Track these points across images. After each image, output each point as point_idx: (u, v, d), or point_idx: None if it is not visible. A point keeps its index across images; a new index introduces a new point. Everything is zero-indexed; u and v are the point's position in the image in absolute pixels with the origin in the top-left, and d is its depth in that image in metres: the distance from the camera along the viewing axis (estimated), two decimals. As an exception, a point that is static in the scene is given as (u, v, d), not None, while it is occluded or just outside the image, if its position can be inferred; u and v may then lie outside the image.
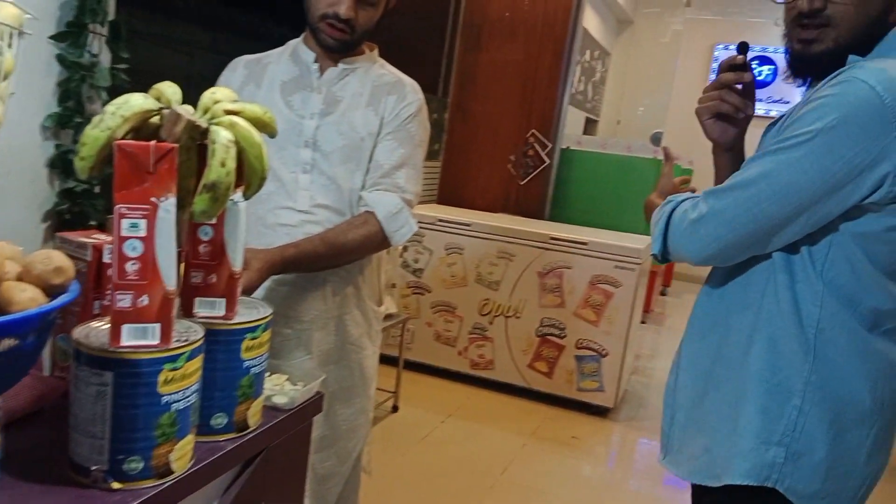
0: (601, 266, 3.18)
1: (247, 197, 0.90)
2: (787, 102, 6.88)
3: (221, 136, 0.79)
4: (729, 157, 1.12)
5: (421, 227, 3.44)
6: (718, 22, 7.11)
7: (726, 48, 7.08)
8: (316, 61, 1.41)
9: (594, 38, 6.35)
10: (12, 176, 1.42)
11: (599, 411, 3.30)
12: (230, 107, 0.83)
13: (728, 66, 1.06)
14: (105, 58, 1.57)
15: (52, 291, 0.63)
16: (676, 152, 1.20)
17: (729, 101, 1.05)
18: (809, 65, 0.97)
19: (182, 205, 0.85)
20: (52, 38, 1.44)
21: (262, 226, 1.38)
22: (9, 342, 0.56)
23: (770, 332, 0.96)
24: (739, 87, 1.06)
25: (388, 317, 2.98)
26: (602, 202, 3.94)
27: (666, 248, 1.04)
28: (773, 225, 0.92)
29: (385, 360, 3.19)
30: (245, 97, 1.42)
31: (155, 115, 0.80)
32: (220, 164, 0.79)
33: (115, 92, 1.54)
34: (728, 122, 1.08)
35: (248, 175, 0.87)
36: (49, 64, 1.46)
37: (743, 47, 1.04)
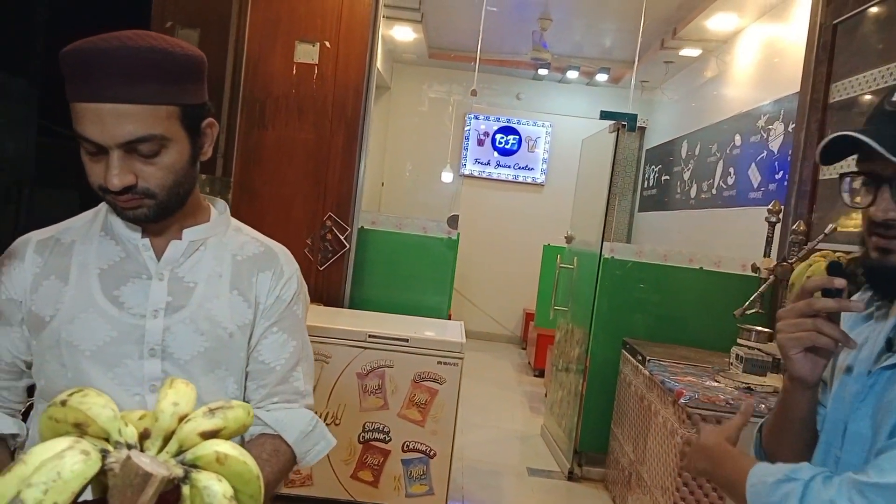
0: (424, 362, 3.03)
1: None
2: (532, 169, 7.52)
3: (216, 495, 0.49)
4: (810, 394, 0.94)
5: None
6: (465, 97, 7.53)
7: (476, 117, 7.51)
8: (146, 235, 1.03)
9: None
10: None
11: (431, 515, 3.12)
12: (208, 426, 0.52)
13: (823, 290, 0.88)
14: None
15: None
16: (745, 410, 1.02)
17: (828, 334, 0.87)
18: (890, 279, 0.85)
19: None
20: None
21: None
22: None
23: None
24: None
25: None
26: (398, 283, 3.83)
27: None
28: None
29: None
30: (43, 298, 1.00)
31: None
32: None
33: None
34: (818, 355, 0.90)
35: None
36: None
37: (836, 268, 0.88)
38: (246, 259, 1.09)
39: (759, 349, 2.78)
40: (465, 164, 7.53)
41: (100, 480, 0.46)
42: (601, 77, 6.81)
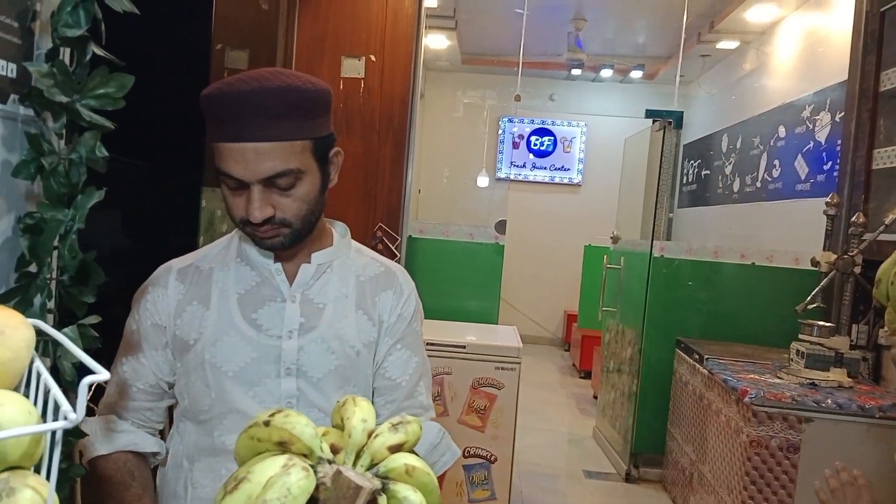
0: (481, 368, 3.07)
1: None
2: (568, 170, 7.51)
3: (415, 507, 0.52)
4: None
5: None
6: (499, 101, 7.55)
7: (510, 121, 7.53)
8: (278, 260, 1.09)
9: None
10: None
11: (495, 520, 3.15)
12: (394, 440, 0.56)
13: None
14: None
15: None
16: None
17: None
18: None
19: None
20: None
21: None
22: None
23: None
24: None
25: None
26: (450, 290, 3.87)
27: None
28: None
29: None
30: (188, 323, 1.06)
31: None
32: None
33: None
34: None
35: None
36: None
37: None
38: (368, 279, 1.14)
39: (821, 344, 2.76)
40: (500, 168, 7.55)
41: (313, 496, 0.50)
42: (635, 74, 6.79)
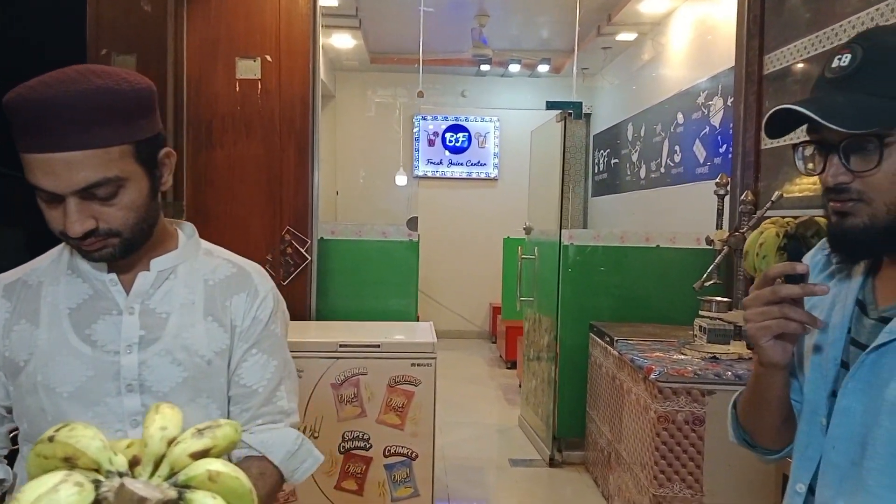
0: (397, 366, 3.04)
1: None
2: (484, 164, 7.57)
3: (213, 517, 0.50)
4: (782, 375, 0.94)
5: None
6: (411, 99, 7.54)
7: (423, 118, 7.53)
8: (112, 269, 1.01)
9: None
10: None
11: (419, 517, 3.14)
12: (197, 446, 0.53)
13: (785, 277, 0.87)
14: None
15: None
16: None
17: (796, 319, 0.86)
18: (850, 242, 0.85)
19: None
20: None
21: None
22: None
23: None
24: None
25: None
26: (363, 290, 3.83)
27: None
28: None
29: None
30: (17, 343, 0.98)
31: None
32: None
33: None
34: (786, 339, 0.90)
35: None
36: None
37: (797, 251, 0.90)
38: (218, 283, 1.07)
39: (720, 319, 2.86)
40: (417, 166, 7.54)
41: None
42: (542, 68, 6.90)
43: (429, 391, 3.06)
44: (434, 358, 3.07)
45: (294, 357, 3.00)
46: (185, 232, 1.11)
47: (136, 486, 0.47)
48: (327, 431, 3.05)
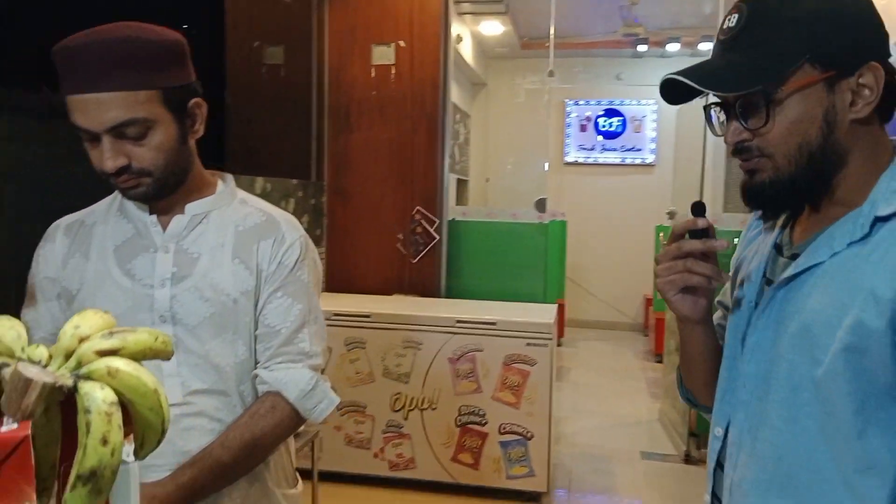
0: (513, 345, 3.04)
1: (141, 457, 0.65)
2: (640, 150, 7.27)
3: (98, 402, 0.55)
4: (701, 330, 0.97)
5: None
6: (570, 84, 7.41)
7: (576, 104, 7.37)
8: (153, 212, 1.13)
9: (454, 103, 6.41)
10: None
11: (532, 497, 3.11)
12: (105, 345, 0.59)
13: (688, 232, 0.90)
14: None
15: None
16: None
17: (699, 272, 0.89)
18: (761, 196, 0.86)
19: (44, 486, 0.59)
20: None
21: None
22: None
23: None
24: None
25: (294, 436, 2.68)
26: (496, 272, 3.84)
27: None
28: None
29: (301, 473, 2.90)
30: (71, 274, 1.12)
31: (-11, 378, 0.55)
32: (101, 441, 0.54)
33: None
34: (696, 294, 0.93)
35: (142, 430, 0.62)
36: None
37: (700, 209, 0.91)
38: (248, 229, 1.15)
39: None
40: (568, 152, 7.41)
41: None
42: (704, 46, 6.47)
43: (545, 372, 3.03)
44: (550, 339, 3.03)
45: (413, 331, 3.11)
46: (224, 182, 1.21)
47: (30, 369, 0.53)
48: (444, 404, 3.12)
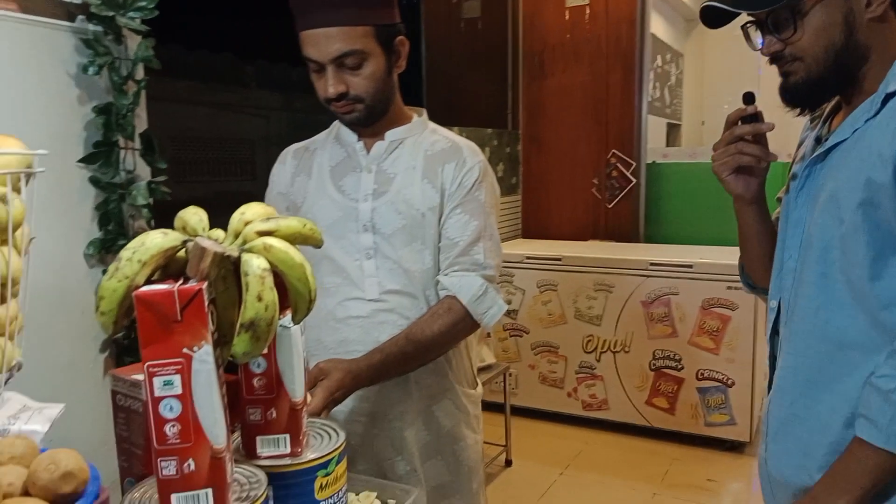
0: (712, 289, 2.91)
1: (296, 321, 0.79)
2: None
3: (254, 267, 0.69)
4: (755, 209, 1.08)
5: (509, 266, 3.29)
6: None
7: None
8: (360, 139, 1.32)
9: (663, 42, 6.07)
10: (62, 311, 1.36)
11: (734, 447, 2.99)
12: (263, 227, 0.73)
13: (740, 119, 1.02)
14: (142, 171, 1.48)
15: (64, 501, 0.53)
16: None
17: (749, 153, 1.01)
18: (797, 95, 0.97)
19: (225, 340, 0.74)
20: (80, 161, 1.36)
21: (332, 320, 1.29)
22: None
23: None
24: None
25: (487, 368, 2.84)
26: (699, 215, 3.66)
27: None
28: None
29: (492, 407, 3.08)
30: (297, 189, 1.36)
31: (181, 249, 0.70)
32: (257, 298, 0.68)
33: (156, 207, 1.48)
34: (750, 175, 1.05)
35: (294, 300, 0.76)
36: (83, 188, 1.38)
37: (749, 98, 1.03)
38: (435, 154, 1.29)
39: None
40: (797, 87, 6.69)
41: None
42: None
43: (747, 317, 2.87)
44: (753, 281, 2.85)
45: (604, 273, 3.10)
46: (419, 115, 1.37)
47: (206, 242, 0.68)
48: (637, 347, 3.10)
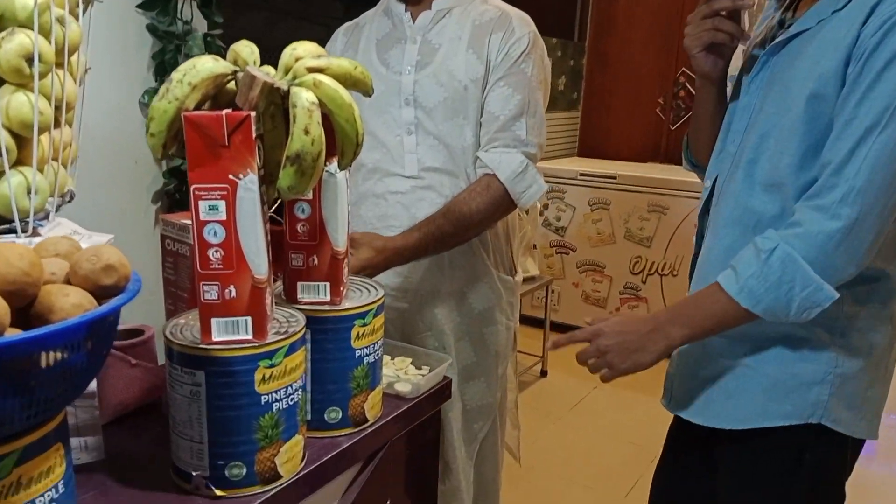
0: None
1: (342, 167, 0.79)
2: None
3: (302, 99, 0.68)
4: (716, 91, 1.05)
5: (561, 183, 3.24)
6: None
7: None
8: (407, 9, 1.27)
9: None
10: (116, 159, 1.39)
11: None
12: (313, 63, 0.72)
13: None
14: (199, 24, 1.46)
15: (105, 293, 0.55)
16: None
17: (724, 30, 0.96)
18: None
19: (271, 179, 0.75)
20: (139, 6, 1.36)
21: (372, 196, 1.29)
22: (54, 355, 0.48)
23: None
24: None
25: (530, 279, 2.85)
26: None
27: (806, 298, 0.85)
28: None
29: (532, 322, 3.09)
30: None
31: (230, 79, 0.70)
32: (304, 131, 0.68)
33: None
34: (719, 54, 1.00)
35: (341, 142, 0.75)
36: (141, 35, 1.38)
37: None
38: (483, 23, 1.23)
39: None
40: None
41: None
42: None
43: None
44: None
45: (659, 195, 3.03)
46: None
47: (256, 71, 0.67)
48: (686, 271, 3.04)
